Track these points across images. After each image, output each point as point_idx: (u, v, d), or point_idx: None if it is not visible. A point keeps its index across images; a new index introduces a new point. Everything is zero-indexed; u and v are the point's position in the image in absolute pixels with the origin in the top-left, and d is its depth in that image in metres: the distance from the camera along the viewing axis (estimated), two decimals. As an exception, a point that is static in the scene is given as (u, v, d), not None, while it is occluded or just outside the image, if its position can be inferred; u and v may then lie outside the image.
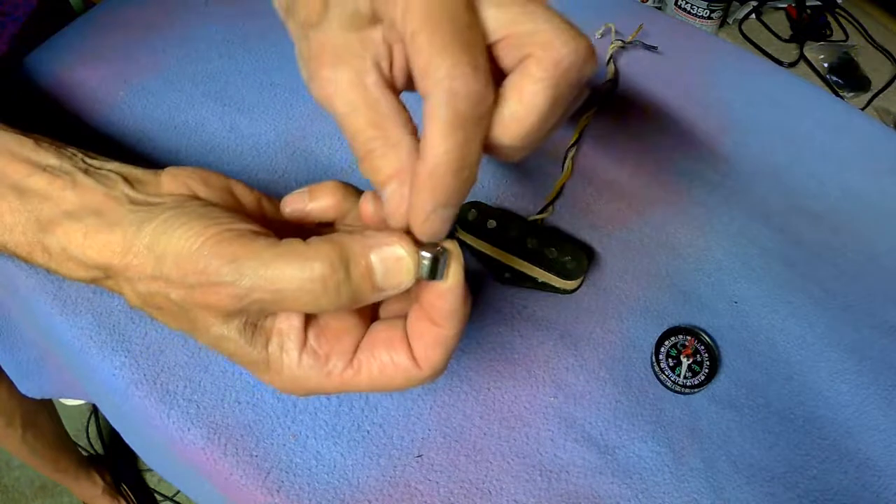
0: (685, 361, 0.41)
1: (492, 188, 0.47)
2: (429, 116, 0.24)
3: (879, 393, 0.42)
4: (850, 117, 0.57)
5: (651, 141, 0.52)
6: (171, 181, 0.29)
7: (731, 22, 1.03)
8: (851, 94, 0.96)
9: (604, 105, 0.53)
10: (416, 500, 0.36)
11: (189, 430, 0.36)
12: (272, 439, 0.37)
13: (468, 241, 0.44)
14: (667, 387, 0.40)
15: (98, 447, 1.24)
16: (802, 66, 0.99)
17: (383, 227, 0.27)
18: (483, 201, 0.45)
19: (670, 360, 0.41)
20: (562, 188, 0.48)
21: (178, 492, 1.21)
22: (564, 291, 0.43)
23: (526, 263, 0.42)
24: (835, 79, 0.97)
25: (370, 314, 0.30)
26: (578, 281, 0.43)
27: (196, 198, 0.28)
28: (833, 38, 1.03)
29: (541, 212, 0.46)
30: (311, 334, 0.28)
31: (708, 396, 0.41)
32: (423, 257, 0.25)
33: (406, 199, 0.26)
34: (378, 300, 0.26)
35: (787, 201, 0.50)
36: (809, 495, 0.38)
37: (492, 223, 0.43)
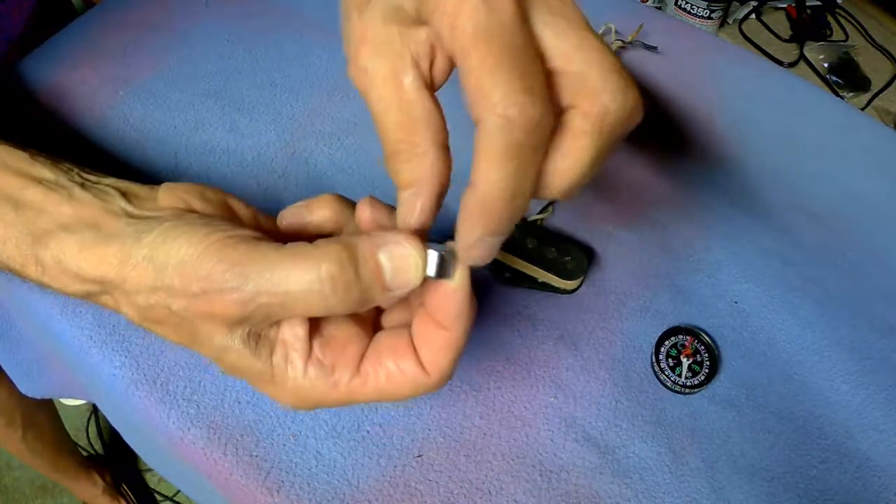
0: (685, 361, 0.41)
1: (492, 188, 0.47)
2: (481, 145, 0.23)
3: (879, 393, 0.42)
4: (850, 117, 0.57)
5: (651, 141, 0.52)
6: (167, 196, 0.28)
7: (731, 22, 1.03)
8: (851, 94, 0.96)
9: (604, 105, 0.53)
10: (416, 500, 0.36)
11: (189, 430, 0.36)
12: (272, 439, 0.37)
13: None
14: (667, 387, 0.40)
15: (98, 447, 1.24)
16: (802, 66, 0.99)
17: (382, 231, 0.27)
18: (483, 201, 0.45)
19: (670, 360, 0.41)
20: (562, 188, 0.48)
21: (178, 492, 1.21)
22: (564, 291, 0.43)
23: (526, 263, 0.42)
24: (835, 79, 0.97)
25: (373, 325, 0.30)
26: (578, 281, 0.43)
27: (193, 211, 0.28)
28: (833, 38, 1.03)
29: (541, 212, 0.46)
30: (315, 345, 0.27)
31: (708, 396, 0.41)
32: (431, 255, 0.25)
33: (418, 210, 0.26)
34: (386, 302, 0.26)
35: (787, 201, 0.50)
36: (809, 495, 0.38)
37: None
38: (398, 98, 0.25)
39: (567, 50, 0.24)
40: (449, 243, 0.26)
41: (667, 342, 0.41)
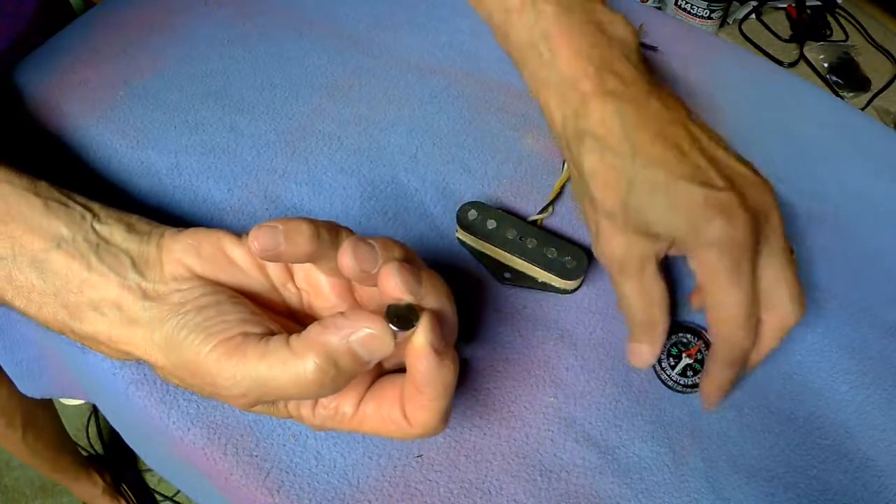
0: (686, 360, 0.41)
1: (492, 188, 0.47)
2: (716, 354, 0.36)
3: (879, 393, 0.42)
4: (850, 117, 0.57)
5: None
6: (170, 263, 0.31)
7: (731, 22, 1.03)
8: (851, 94, 0.96)
9: (604, 105, 0.53)
10: (416, 499, 0.36)
11: (189, 430, 0.36)
12: (272, 439, 0.37)
13: (468, 242, 0.44)
14: (668, 386, 0.40)
15: (98, 447, 1.24)
16: (802, 66, 0.99)
17: (361, 278, 0.28)
18: (483, 201, 0.45)
19: (671, 358, 0.41)
20: (562, 188, 0.48)
21: (178, 492, 1.21)
22: (564, 291, 0.43)
23: (526, 263, 0.42)
24: (835, 79, 0.97)
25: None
26: (578, 281, 0.43)
27: (195, 277, 0.31)
28: (833, 38, 1.03)
29: (541, 212, 0.46)
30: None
31: (708, 396, 0.41)
32: (394, 330, 0.27)
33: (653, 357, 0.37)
34: (369, 367, 0.28)
35: (787, 201, 0.50)
36: (809, 495, 0.38)
37: (492, 223, 0.43)
38: (657, 289, 0.36)
39: (770, 280, 0.35)
40: (422, 317, 0.27)
41: (667, 341, 0.41)
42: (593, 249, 0.38)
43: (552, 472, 0.37)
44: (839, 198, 0.51)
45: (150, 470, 1.22)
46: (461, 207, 0.44)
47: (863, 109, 0.93)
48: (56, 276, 0.31)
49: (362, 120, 0.50)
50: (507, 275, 0.43)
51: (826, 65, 0.98)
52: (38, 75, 0.50)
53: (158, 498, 1.21)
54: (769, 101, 0.56)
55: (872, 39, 1.03)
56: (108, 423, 1.24)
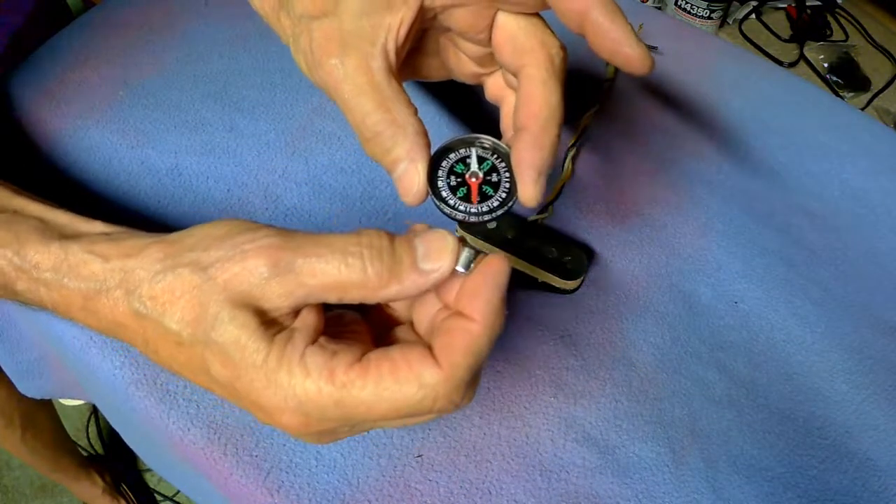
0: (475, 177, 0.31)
1: (492, 188, 0.47)
2: (532, 78, 0.29)
3: (879, 393, 0.42)
4: (850, 117, 0.57)
5: (651, 141, 0.52)
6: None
7: (731, 22, 1.03)
8: (851, 94, 0.96)
9: (604, 105, 0.53)
10: (415, 499, 0.36)
11: (189, 430, 0.36)
12: (272, 439, 0.37)
13: (468, 242, 0.44)
14: (460, 219, 0.31)
15: (98, 447, 1.24)
16: (802, 66, 0.99)
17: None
18: (483, 201, 0.45)
19: (452, 177, 0.31)
20: (562, 188, 0.48)
21: (178, 492, 1.21)
22: (564, 291, 0.43)
23: (526, 263, 0.42)
24: (835, 79, 0.97)
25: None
26: (578, 281, 0.43)
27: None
28: (833, 38, 1.03)
29: (541, 212, 0.46)
30: (322, 338, 0.26)
31: (708, 396, 0.41)
32: (465, 251, 0.27)
33: (422, 174, 0.28)
34: (414, 290, 0.26)
35: (787, 201, 0.50)
36: (809, 495, 0.38)
37: (492, 223, 0.43)
38: (371, 82, 0.28)
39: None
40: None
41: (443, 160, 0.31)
42: (308, 74, 0.30)
43: (552, 472, 0.37)
44: (839, 198, 0.51)
45: (150, 470, 1.22)
46: (461, 207, 0.44)
47: (863, 109, 0.93)
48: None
49: (362, 120, 0.50)
50: (507, 275, 0.43)
51: (826, 65, 0.98)
52: (37, 76, 0.50)
53: (158, 498, 1.21)
54: (769, 101, 0.56)
55: (872, 39, 1.03)
56: (108, 423, 1.24)
